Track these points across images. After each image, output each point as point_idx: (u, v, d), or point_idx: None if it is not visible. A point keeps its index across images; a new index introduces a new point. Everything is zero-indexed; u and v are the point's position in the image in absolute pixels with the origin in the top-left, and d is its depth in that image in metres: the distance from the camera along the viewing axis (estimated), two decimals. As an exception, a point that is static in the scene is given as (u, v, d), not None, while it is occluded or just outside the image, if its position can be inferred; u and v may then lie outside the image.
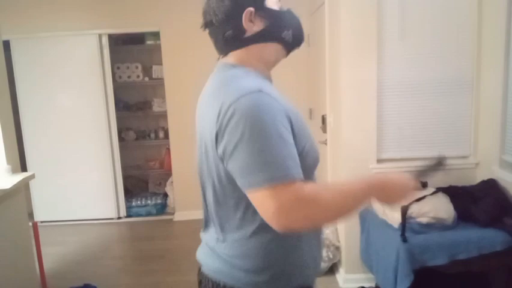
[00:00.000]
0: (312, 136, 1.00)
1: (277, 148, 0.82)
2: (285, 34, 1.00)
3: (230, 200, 0.94)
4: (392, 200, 0.97)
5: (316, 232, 1.05)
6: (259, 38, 0.98)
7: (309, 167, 0.95)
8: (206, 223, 1.08)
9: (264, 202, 0.82)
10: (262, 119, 0.82)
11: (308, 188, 0.83)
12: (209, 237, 1.05)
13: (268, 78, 1.03)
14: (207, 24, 1.00)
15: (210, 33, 1.02)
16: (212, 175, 0.95)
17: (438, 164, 1.10)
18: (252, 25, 0.96)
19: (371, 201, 0.93)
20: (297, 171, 0.84)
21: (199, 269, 1.07)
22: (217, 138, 0.88)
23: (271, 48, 1.01)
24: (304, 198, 0.82)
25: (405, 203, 1.05)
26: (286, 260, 0.96)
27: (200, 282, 1.06)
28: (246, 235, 0.94)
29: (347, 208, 0.89)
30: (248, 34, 0.97)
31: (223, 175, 0.91)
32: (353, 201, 0.89)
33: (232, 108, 0.84)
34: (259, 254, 0.94)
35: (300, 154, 0.89)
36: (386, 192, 0.95)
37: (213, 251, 1.02)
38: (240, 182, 0.86)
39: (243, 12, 0.95)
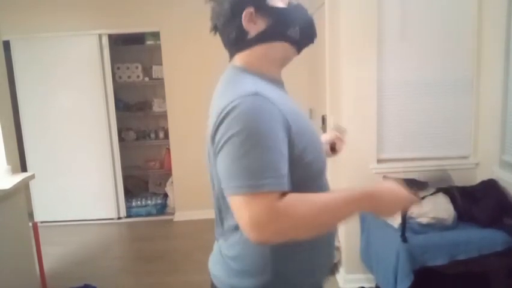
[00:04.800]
0: (319, 139, 0.97)
1: (260, 155, 0.79)
2: (291, 31, 0.95)
3: (225, 201, 0.93)
4: (385, 213, 0.93)
5: (322, 237, 0.97)
6: (263, 38, 0.95)
7: (315, 170, 0.94)
8: (215, 224, 1.07)
9: (238, 210, 0.81)
10: (251, 124, 0.80)
11: (284, 200, 0.79)
12: (216, 236, 1.05)
13: (277, 80, 1.00)
14: (215, 28, 1.00)
15: (220, 36, 1.01)
16: (213, 176, 0.96)
17: (440, 179, 1.05)
18: (254, 25, 0.94)
19: (360, 213, 0.88)
20: (277, 182, 0.80)
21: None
22: (212, 141, 0.88)
23: (278, 48, 0.97)
24: (276, 211, 0.78)
25: (399, 214, 0.99)
26: (283, 266, 0.93)
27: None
28: (240, 237, 0.93)
29: (326, 222, 0.86)
30: (251, 35, 0.94)
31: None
32: (335, 216, 0.86)
33: (225, 111, 0.83)
34: (251, 256, 0.93)
35: (302, 155, 0.87)
36: (378, 205, 0.90)
37: (217, 253, 1.02)
38: (222, 185, 0.86)
39: (243, 13, 0.93)
